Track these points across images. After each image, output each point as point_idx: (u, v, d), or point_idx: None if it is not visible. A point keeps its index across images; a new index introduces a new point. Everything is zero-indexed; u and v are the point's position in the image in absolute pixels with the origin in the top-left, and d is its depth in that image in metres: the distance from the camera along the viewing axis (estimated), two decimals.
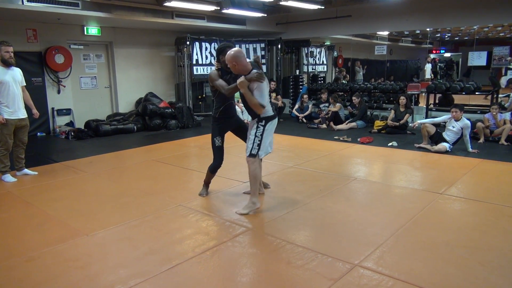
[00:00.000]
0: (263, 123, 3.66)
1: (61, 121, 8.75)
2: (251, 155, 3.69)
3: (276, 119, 3.81)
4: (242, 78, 3.53)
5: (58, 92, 8.65)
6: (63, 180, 5.08)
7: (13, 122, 4.92)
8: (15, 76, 4.96)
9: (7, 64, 4.84)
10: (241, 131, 4.20)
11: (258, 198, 3.81)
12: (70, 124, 8.77)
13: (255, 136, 3.67)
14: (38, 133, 8.41)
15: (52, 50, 8.31)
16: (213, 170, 4.20)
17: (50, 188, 4.74)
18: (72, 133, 8.02)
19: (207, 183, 4.36)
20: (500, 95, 9.07)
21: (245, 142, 4.04)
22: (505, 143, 6.76)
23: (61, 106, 8.73)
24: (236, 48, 3.63)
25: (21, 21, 7.84)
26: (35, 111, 5.29)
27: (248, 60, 3.60)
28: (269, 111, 3.70)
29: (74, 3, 7.08)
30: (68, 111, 8.84)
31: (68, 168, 5.67)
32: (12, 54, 4.88)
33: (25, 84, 5.15)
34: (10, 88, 4.85)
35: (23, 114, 5.04)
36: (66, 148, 7.23)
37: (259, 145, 3.67)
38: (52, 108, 8.60)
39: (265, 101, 3.63)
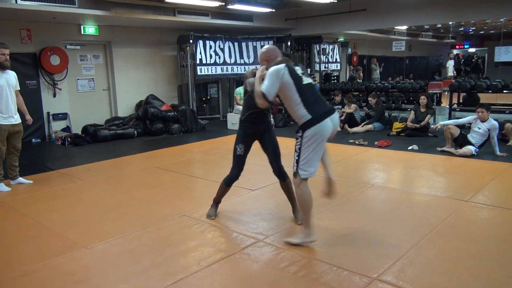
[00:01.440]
0: (300, 133, 3.17)
1: (57, 126, 8.85)
2: (294, 174, 3.25)
3: (326, 124, 3.15)
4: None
5: (54, 95, 8.76)
6: (60, 189, 5.14)
7: (6, 127, 4.99)
8: (10, 80, 5.04)
9: (2, 68, 4.92)
10: (267, 144, 3.81)
11: (311, 230, 3.30)
12: (67, 129, 8.87)
13: (295, 150, 3.23)
14: (33, 139, 8.51)
15: (47, 51, 8.42)
16: (228, 182, 3.86)
17: (46, 197, 4.79)
18: (69, 139, 8.10)
19: (217, 202, 4.01)
20: None
21: (270, 159, 3.82)
22: None
23: (57, 110, 8.83)
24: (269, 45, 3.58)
25: (14, 20, 7.97)
26: (28, 117, 5.36)
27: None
28: (304, 114, 3.14)
29: (70, 0, 7.19)
30: (64, 116, 8.94)
31: (64, 176, 5.73)
32: (8, 57, 4.96)
33: (19, 89, 5.23)
34: (4, 93, 4.93)
35: (16, 119, 5.11)
36: (62, 155, 7.31)
37: (297, 161, 3.19)
38: (48, 113, 8.70)
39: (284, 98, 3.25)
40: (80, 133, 8.58)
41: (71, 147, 7.89)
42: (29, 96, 8.15)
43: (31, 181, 5.38)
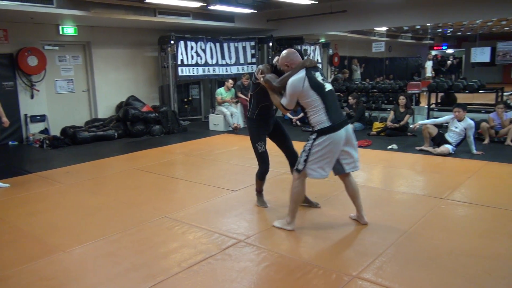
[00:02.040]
0: (314, 136, 3.34)
1: (35, 128, 8.68)
2: (297, 169, 3.48)
3: (340, 134, 3.32)
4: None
5: (32, 97, 8.59)
6: (38, 192, 5.04)
7: None
8: None
9: None
10: (279, 136, 4.05)
11: (294, 220, 3.60)
12: (45, 131, 8.71)
13: (303, 149, 3.41)
14: (10, 142, 8.32)
15: (24, 51, 8.26)
16: (261, 176, 4.09)
17: (24, 201, 4.70)
18: (47, 141, 7.96)
19: (259, 191, 4.25)
20: (505, 93, 9.20)
21: (282, 149, 4.06)
22: (511, 144, 6.86)
23: (35, 112, 8.66)
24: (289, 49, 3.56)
25: None
26: (5, 119, 5.26)
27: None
28: (324, 120, 3.30)
29: (48, 0, 7.06)
30: (42, 118, 8.77)
31: (43, 179, 5.63)
32: None
33: None
34: None
35: None
36: (40, 157, 7.18)
37: (305, 161, 3.38)
38: (25, 115, 8.53)
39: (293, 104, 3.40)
40: (59, 135, 8.45)
41: (49, 150, 7.75)
42: (6, 98, 7.96)
43: (8, 185, 5.26)
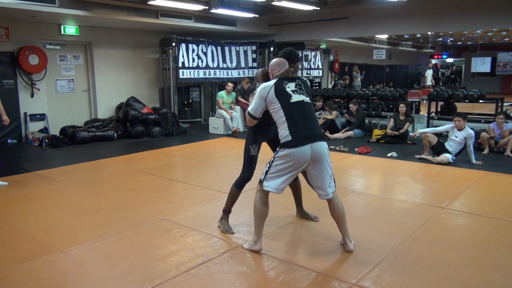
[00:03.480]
0: (278, 149, 3.15)
1: (35, 127, 8.66)
2: (260, 180, 3.27)
3: (303, 150, 3.01)
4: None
5: (32, 95, 8.58)
6: (36, 191, 5.02)
7: None
8: None
9: None
10: (277, 145, 3.73)
11: (260, 239, 3.28)
12: (44, 130, 8.69)
13: (269, 160, 3.25)
14: (9, 140, 8.31)
15: (25, 50, 8.25)
16: (240, 184, 3.69)
17: (21, 200, 4.67)
18: (46, 140, 7.94)
19: (226, 211, 3.80)
20: (505, 104, 9.22)
21: None
22: (511, 155, 6.86)
23: (35, 110, 8.65)
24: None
25: None
26: (5, 117, 5.24)
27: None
28: (286, 134, 3.08)
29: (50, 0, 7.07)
30: (42, 116, 8.76)
31: (41, 178, 5.60)
32: None
33: None
34: None
35: None
36: (39, 156, 7.16)
37: (266, 172, 3.20)
38: (25, 113, 8.51)
39: (258, 113, 3.25)
40: (58, 134, 8.43)
41: (48, 149, 7.73)
42: (6, 96, 7.94)
43: (6, 183, 5.24)
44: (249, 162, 3.67)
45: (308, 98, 3.22)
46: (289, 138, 3.04)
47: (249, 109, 3.31)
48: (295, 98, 3.13)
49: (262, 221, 3.28)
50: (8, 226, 3.88)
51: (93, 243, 3.46)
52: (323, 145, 3.10)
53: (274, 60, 3.39)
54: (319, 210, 4.25)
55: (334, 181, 3.26)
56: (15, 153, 7.51)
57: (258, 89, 3.24)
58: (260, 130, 3.66)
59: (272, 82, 3.20)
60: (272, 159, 3.18)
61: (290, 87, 3.17)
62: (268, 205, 3.29)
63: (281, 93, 3.12)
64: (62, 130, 8.46)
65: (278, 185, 3.16)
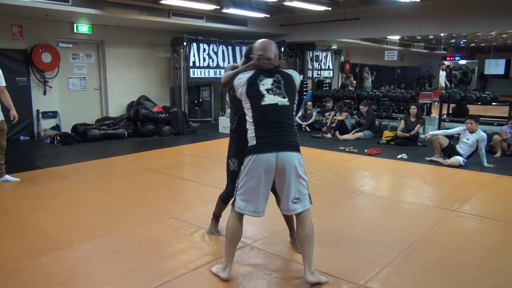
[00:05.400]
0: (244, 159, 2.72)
1: (47, 124, 8.76)
2: (233, 200, 2.87)
3: (268, 158, 2.61)
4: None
5: (44, 93, 8.68)
6: (47, 188, 5.08)
7: None
8: None
9: None
10: None
11: (230, 264, 2.83)
12: (56, 127, 8.78)
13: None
14: (21, 137, 8.41)
15: (39, 48, 8.35)
16: (225, 200, 3.46)
17: (33, 196, 4.73)
18: (58, 138, 8.02)
19: (216, 216, 3.65)
20: None
21: None
22: None
23: (47, 108, 8.75)
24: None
25: (6, 16, 7.89)
26: (13, 112, 5.19)
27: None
28: (251, 138, 2.68)
29: None
30: (54, 114, 8.86)
31: (52, 175, 5.67)
32: None
33: (4, 85, 5.08)
34: None
35: None
36: (51, 153, 7.23)
37: (236, 188, 2.77)
38: (37, 110, 8.61)
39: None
40: (69, 132, 8.51)
41: (60, 146, 7.81)
42: (19, 93, 8.10)
43: (18, 179, 5.31)
44: (231, 178, 3.32)
45: (287, 99, 2.71)
46: (254, 142, 2.66)
47: (222, 75, 2.94)
48: (268, 100, 2.65)
49: (233, 246, 2.84)
50: (19, 221, 3.93)
51: (102, 240, 3.49)
52: (291, 156, 2.64)
53: (260, 41, 2.88)
54: (328, 211, 4.24)
55: (310, 198, 2.80)
56: (27, 150, 7.60)
57: (237, 77, 2.76)
58: (239, 140, 3.11)
59: (246, 76, 2.72)
60: (241, 171, 2.74)
61: (266, 84, 2.68)
62: (241, 228, 2.84)
63: (253, 92, 2.68)
64: (74, 128, 8.54)
65: (246, 205, 2.72)
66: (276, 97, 2.68)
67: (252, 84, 2.68)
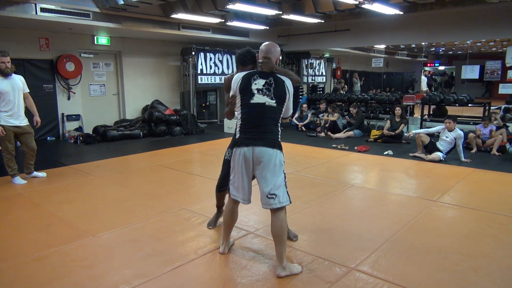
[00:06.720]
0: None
1: (70, 126, 8.76)
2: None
3: (241, 151, 2.62)
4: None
5: (68, 98, 8.68)
6: (71, 183, 5.08)
7: (11, 128, 4.83)
8: (15, 84, 4.84)
9: (3, 74, 4.73)
10: None
11: (225, 242, 2.98)
12: (79, 129, 8.79)
13: None
14: (48, 137, 8.42)
15: (63, 58, 8.35)
16: (217, 188, 3.42)
17: (59, 190, 4.74)
18: (81, 138, 8.03)
19: (218, 206, 3.56)
20: (492, 107, 9.08)
21: None
22: (497, 153, 6.76)
23: (71, 111, 8.75)
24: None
25: (34, 30, 7.89)
26: (36, 118, 5.13)
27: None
28: (237, 131, 2.72)
29: (85, 13, 7.13)
30: (77, 117, 8.86)
31: (76, 171, 5.67)
32: (8, 64, 4.75)
33: (28, 91, 5.03)
34: (7, 97, 4.74)
35: (22, 121, 4.91)
36: (74, 152, 7.24)
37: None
38: (62, 114, 8.62)
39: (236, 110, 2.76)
40: (91, 133, 8.51)
41: (82, 145, 7.81)
42: (46, 99, 8.13)
43: (45, 174, 5.31)
44: (222, 166, 3.35)
45: (274, 101, 2.62)
46: (237, 136, 2.69)
47: (226, 98, 2.90)
48: (257, 99, 2.62)
49: (227, 227, 2.94)
50: (47, 213, 3.94)
51: (121, 229, 3.49)
52: (267, 151, 2.57)
53: (266, 44, 2.82)
54: (322, 202, 4.24)
55: (288, 196, 2.69)
56: (53, 149, 7.61)
57: (234, 78, 2.77)
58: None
59: (242, 74, 2.72)
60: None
61: (257, 84, 2.64)
62: (235, 214, 2.89)
63: (245, 89, 2.65)
64: (95, 129, 8.54)
65: (234, 191, 2.75)
66: (265, 97, 2.62)
67: (247, 82, 2.67)
